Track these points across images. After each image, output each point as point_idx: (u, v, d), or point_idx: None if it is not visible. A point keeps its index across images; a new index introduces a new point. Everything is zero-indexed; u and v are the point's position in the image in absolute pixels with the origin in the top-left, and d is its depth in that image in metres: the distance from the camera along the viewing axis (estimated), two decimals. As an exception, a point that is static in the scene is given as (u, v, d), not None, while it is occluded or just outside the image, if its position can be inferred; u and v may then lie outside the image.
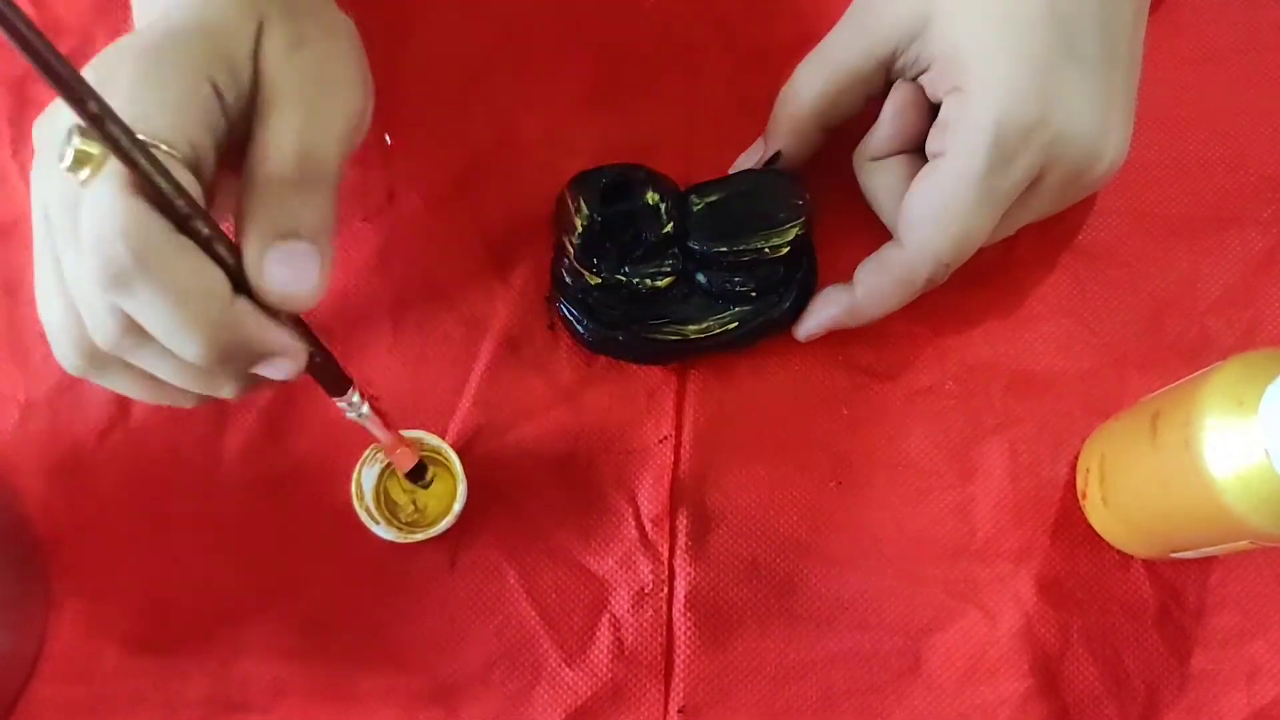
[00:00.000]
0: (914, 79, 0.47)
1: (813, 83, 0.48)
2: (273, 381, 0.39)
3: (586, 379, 0.51)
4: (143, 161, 0.32)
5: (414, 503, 0.50)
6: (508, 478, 0.50)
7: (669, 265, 0.49)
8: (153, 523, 0.50)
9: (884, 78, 0.48)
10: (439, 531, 0.48)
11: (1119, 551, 0.49)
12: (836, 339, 0.51)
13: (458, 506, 0.48)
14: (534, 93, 0.54)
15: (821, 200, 0.52)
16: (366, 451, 0.48)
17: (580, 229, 0.48)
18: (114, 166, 0.33)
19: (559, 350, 0.52)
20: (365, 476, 0.48)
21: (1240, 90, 0.54)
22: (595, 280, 0.49)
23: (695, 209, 0.49)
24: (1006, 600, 0.49)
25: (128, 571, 0.50)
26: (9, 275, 0.52)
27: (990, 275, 0.52)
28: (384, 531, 0.47)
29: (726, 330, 0.49)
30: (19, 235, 0.52)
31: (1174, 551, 0.47)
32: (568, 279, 0.49)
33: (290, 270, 0.36)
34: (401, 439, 0.46)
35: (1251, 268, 0.52)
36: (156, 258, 0.33)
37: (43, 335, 0.50)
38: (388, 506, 0.50)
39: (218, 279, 0.35)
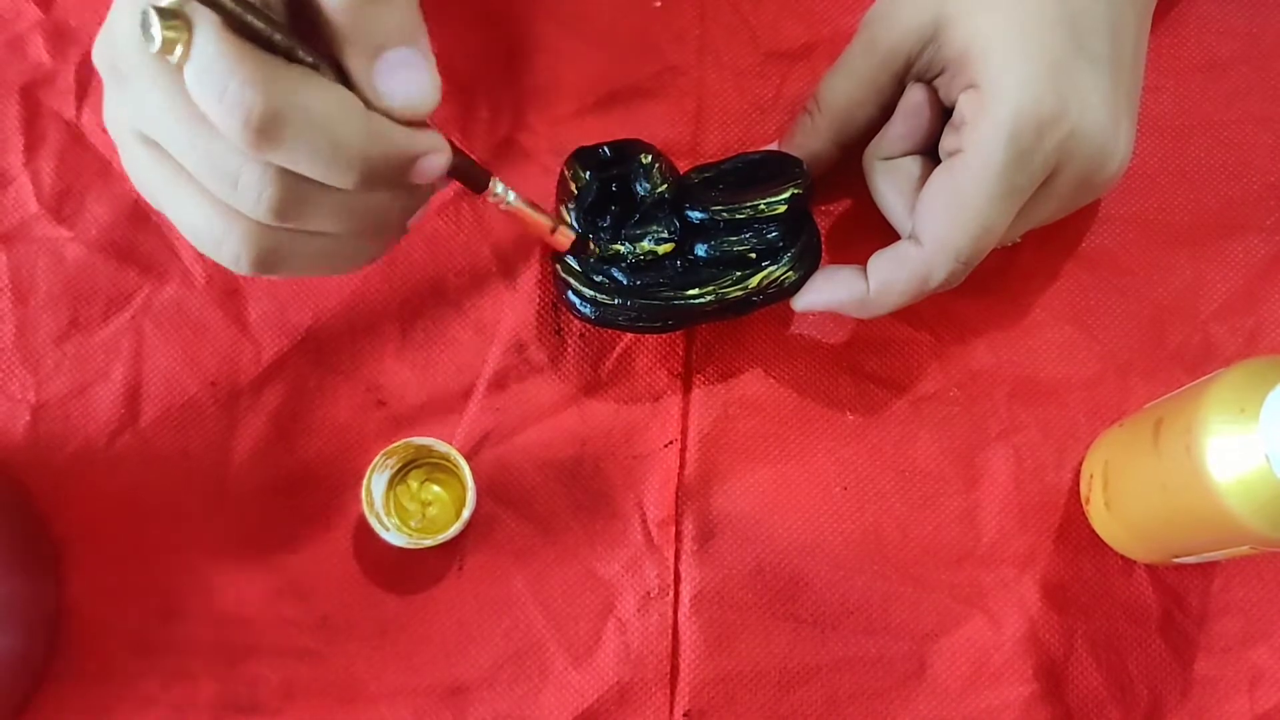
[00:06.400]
0: (927, 83, 0.47)
1: (832, 100, 0.49)
2: (422, 208, 0.40)
3: (593, 384, 0.52)
4: (231, 4, 0.32)
5: (423, 510, 0.51)
6: (515, 482, 0.51)
7: (667, 232, 0.48)
8: (163, 525, 0.50)
9: (899, 89, 0.48)
10: (448, 537, 0.48)
11: (1122, 557, 0.49)
12: (840, 345, 0.51)
13: (466, 513, 0.48)
14: (540, 95, 0.55)
15: (828, 201, 0.53)
16: (376, 458, 0.48)
17: (576, 194, 0.48)
18: (205, 29, 0.33)
19: (566, 355, 0.52)
20: (375, 483, 0.48)
21: (1243, 98, 0.54)
22: (595, 249, 0.48)
23: (692, 182, 0.49)
24: (1011, 605, 0.49)
25: (138, 573, 0.50)
26: (17, 279, 0.52)
27: (994, 282, 0.52)
28: (394, 538, 0.48)
29: (729, 293, 0.48)
30: (28, 239, 0.53)
31: (1177, 557, 0.47)
32: (568, 255, 0.49)
33: (400, 78, 0.36)
34: (559, 218, 0.46)
35: (1254, 275, 0.52)
36: (288, 91, 0.33)
37: (53, 339, 0.52)
38: (397, 513, 0.50)
39: (348, 95, 0.35)
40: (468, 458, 0.49)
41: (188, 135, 0.35)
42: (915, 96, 0.47)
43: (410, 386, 0.52)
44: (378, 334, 0.52)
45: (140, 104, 0.36)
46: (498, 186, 0.42)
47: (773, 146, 0.51)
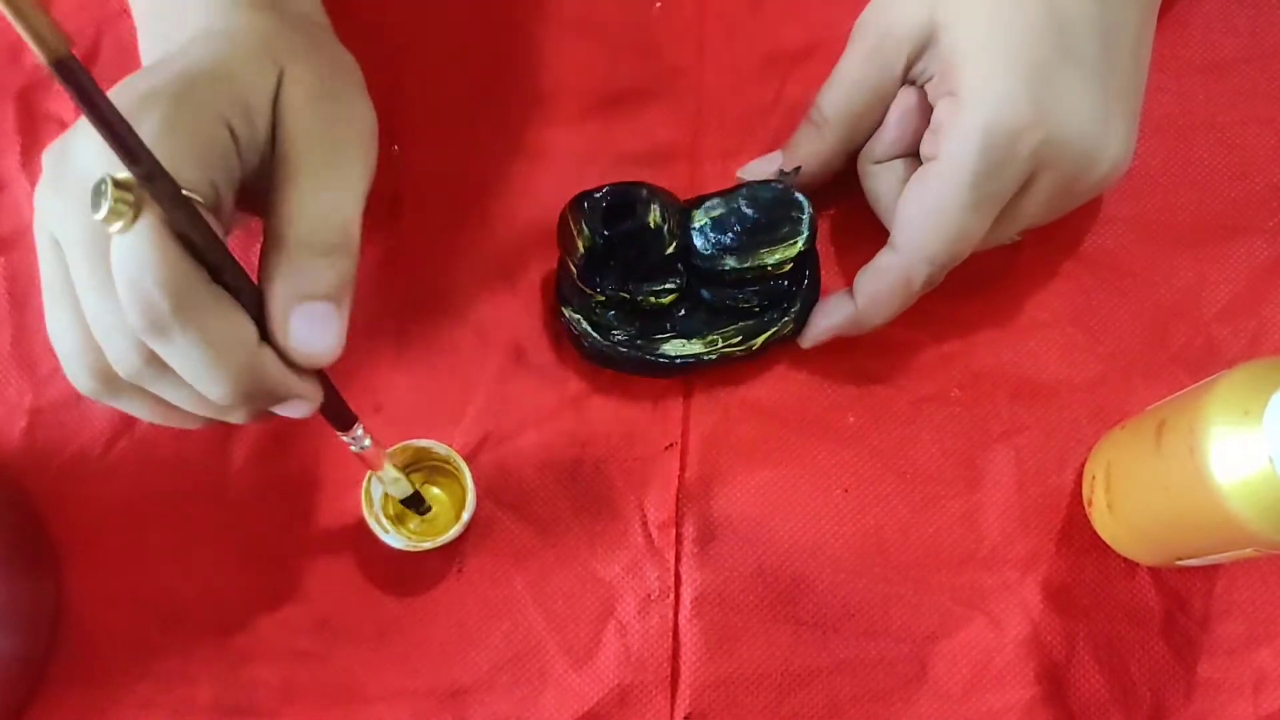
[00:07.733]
0: (921, 86, 0.48)
1: (837, 108, 0.49)
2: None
3: (593, 386, 0.52)
4: (182, 214, 0.33)
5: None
6: (515, 484, 0.51)
7: (672, 283, 0.48)
8: (161, 528, 0.50)
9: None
10: (448, 540, 0.48)
11: (1125, 559, 0.49)
12: (842, 347, 0.51)
13: (466, 515, 0.48)
14: (540, 100, 0.55)
15: (826, 204, 0.52)
16: (376, 460, 0.48)
17: (582, 250, 0.48)
18: (149, 217, 0.33)
19: (566, 358, 0.52)
20: (375, 485, 0.48)
21: (1246, 99, 0.54)
22: (600, 298, 0.49)
23: (698, 224, 0.49)
24: (1013, 607, 0.49)
25: (136, 577, 0.50)
26: (16, 285, 0.52)
27: (995, 283, 0.52)
28: (393, 540, 0.48)
29: (731, 345, 0.49)
30: (26, 245, 0.52)
31: (1179, 559, 0.47)
32: (571, 297, 0.50)
33: (313, 330, 0.37)
34: (399, 473, 0.47)
35: (1257, 276, 0.52)
36: (193, 307, 0.34)
37: (50, 345, 0.51)
38: (397, 515, 0.50)
39: (247, 328, 0.36)
40: (467, 460, 0.49)
41: (90, 275, 0.36)
42: (906, 101, 0.47)
43: (409, 390, 0.51)
44: (377, 338, 0.52)
45: (64, 218, 0.37)
46: (358, 430, 0.43)
47: (776, 154, 0.51)
